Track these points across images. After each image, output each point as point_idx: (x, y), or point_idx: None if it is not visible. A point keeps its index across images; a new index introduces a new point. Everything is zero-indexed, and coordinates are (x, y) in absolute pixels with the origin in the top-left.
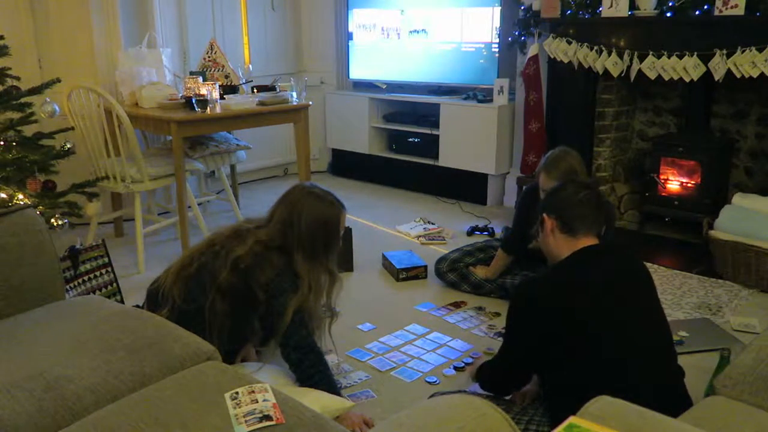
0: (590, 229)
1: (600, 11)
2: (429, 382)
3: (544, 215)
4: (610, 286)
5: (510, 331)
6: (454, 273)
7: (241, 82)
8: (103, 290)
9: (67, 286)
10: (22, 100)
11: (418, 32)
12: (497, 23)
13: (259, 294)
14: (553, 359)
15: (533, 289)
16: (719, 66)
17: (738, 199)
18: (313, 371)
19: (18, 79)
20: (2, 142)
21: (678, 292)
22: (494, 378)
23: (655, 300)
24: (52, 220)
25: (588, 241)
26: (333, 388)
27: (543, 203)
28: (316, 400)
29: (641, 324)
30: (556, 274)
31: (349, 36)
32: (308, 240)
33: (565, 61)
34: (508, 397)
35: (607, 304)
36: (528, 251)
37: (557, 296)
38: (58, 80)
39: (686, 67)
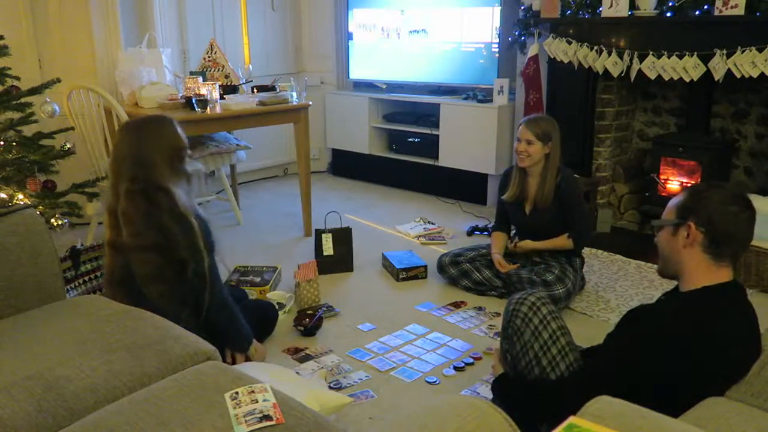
0: (735, 257)
1: (600, 11)
2: (429, 382)
3: (688, 222)
4: (740, 348)
5: (617, 350)
6: (456, 267)
7: (241, 82)
8: (104, 290)
9: (68, 286)
10: (22, 100)
11: (418, 32)
12: (497, 23)
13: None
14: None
15: (664, 319)
16: (719, 66)
17: None
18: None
19: (18, 79)
20: (2, 142)
21: None
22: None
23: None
24: (52, 220)
25: (726, 273)
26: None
27: (687, 204)
28: (314, 397)
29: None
30: (695, 316)
31: (349, 36)
32: (167, 163)
33: (565, 61)
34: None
35: (727, 369)
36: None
37: (689, 340)
38: (58, 80)
39: (686, 67)
